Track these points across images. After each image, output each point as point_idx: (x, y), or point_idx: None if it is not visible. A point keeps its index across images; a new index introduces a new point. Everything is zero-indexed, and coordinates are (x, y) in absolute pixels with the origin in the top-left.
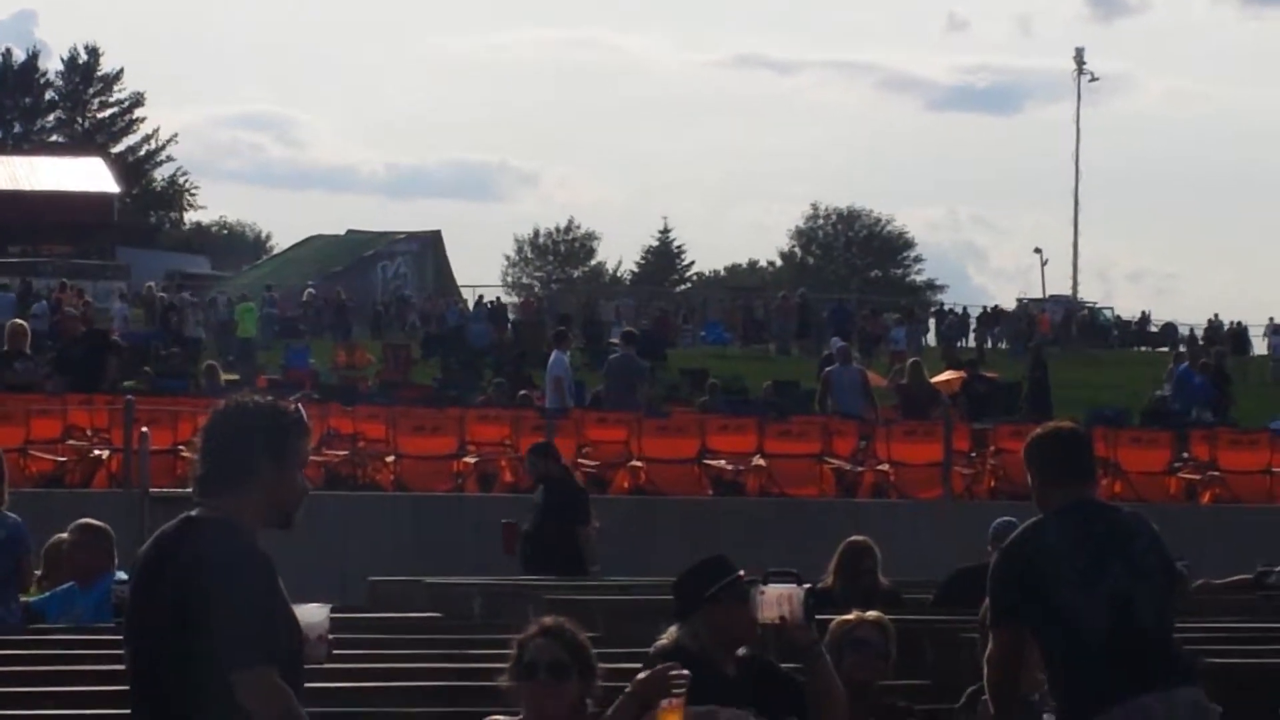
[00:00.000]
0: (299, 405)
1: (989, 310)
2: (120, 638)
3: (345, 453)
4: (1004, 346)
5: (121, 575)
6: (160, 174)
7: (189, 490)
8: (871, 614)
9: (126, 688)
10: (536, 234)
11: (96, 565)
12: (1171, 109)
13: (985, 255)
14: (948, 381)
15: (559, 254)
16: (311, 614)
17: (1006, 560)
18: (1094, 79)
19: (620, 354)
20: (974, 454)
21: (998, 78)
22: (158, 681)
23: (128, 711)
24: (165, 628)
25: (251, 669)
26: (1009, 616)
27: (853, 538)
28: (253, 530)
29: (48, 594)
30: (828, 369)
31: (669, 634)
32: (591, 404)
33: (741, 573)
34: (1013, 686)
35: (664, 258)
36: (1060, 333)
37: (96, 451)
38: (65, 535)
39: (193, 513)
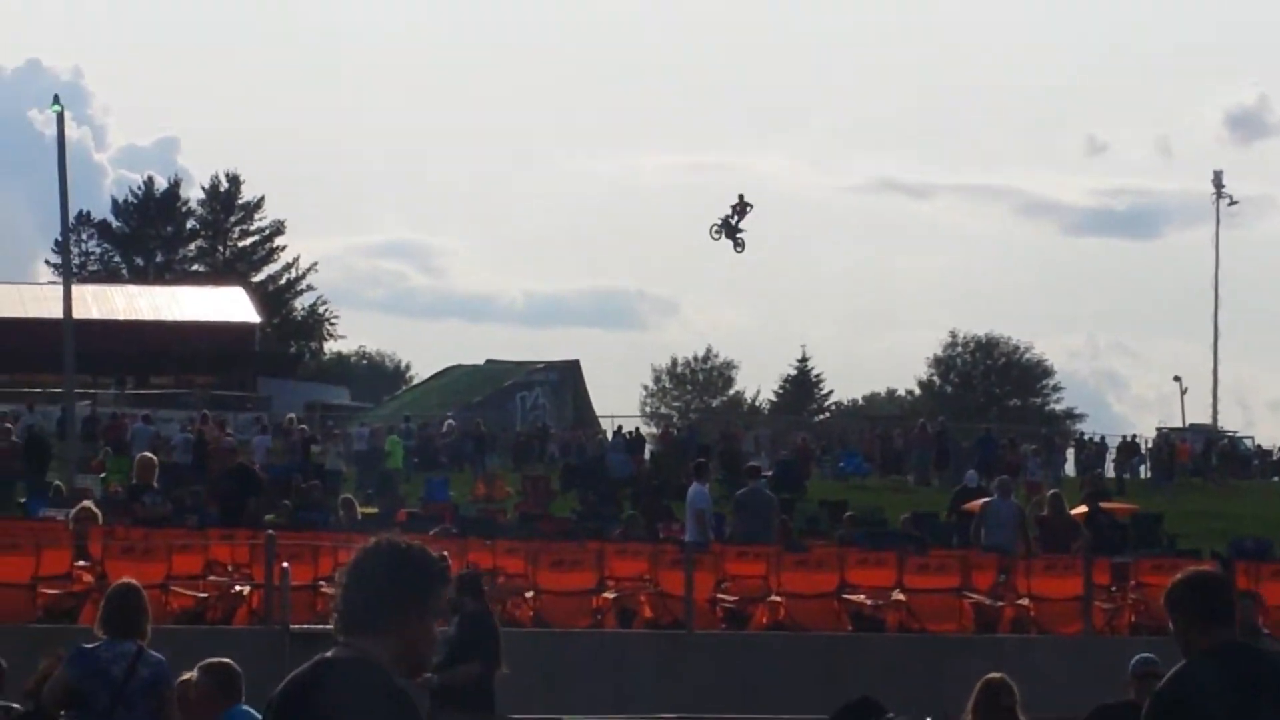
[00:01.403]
0: (444, 554)
1: (1128, 439)
2: None
3: (485, 589)
4: (1145, 476)
5: (248, 709)
6: (300, 303)
7: (329, 626)
8: None
9: None
10: (674, 363)
11: (215, 704)
12: None
13: (1125, 383)
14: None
15: (697, 383)
16: None
17: (1159, 705)
18: (1233, 203)
19: (749, 488)
20: (1114, 588)
21: (1137, 201)
22: None
23: None
24: None
25: None
26: None
27: (991, 675)
28: (390, 670)
29: None
30: (985, 501)
31: None
32: (731, 538)
33: (891, 714)
34: None
35: (802, 386)
36: (1200, 462)
37: (238, 587)
38: (192, 675)
39: (328, 654)
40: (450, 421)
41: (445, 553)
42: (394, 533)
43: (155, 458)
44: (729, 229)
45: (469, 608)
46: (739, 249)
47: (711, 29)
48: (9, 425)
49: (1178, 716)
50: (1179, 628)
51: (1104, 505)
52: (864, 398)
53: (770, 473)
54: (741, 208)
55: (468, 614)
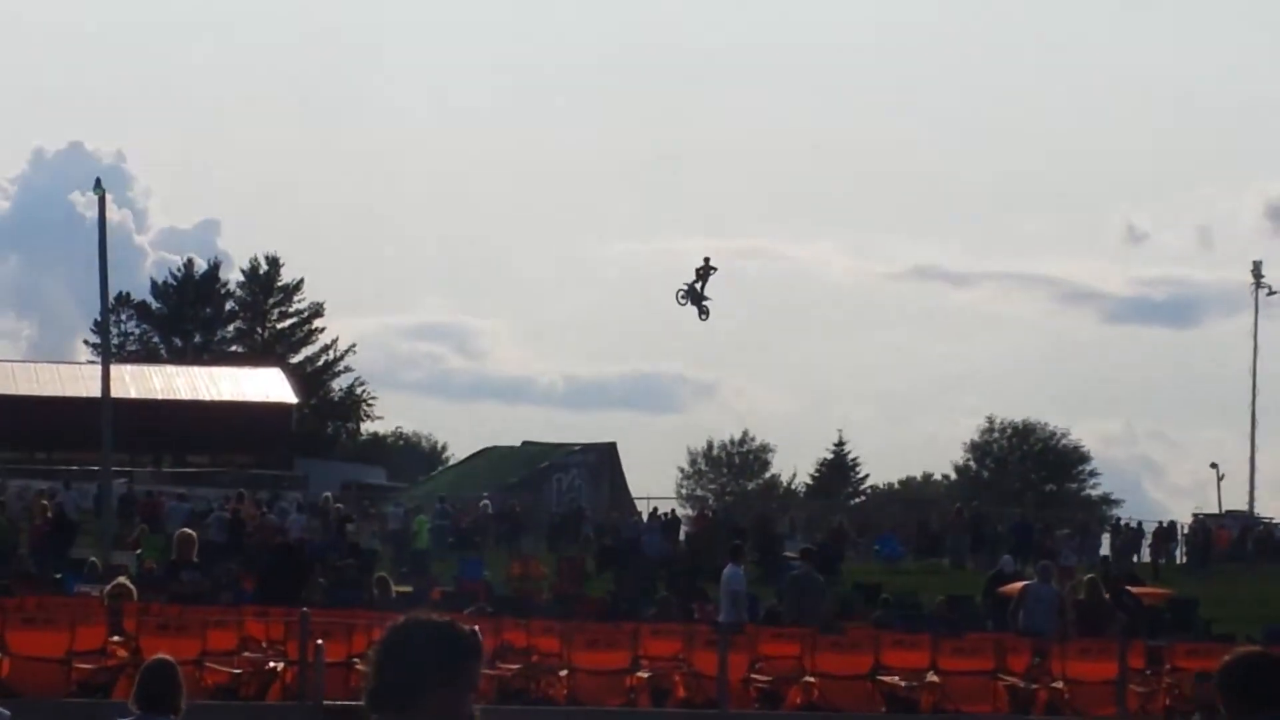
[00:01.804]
0: (475, 628)
1: (1164, 525)
2: None
3: (519, 666)
4: (1180, 562)
5: None
6: (338, 384)
7: (362, 704)
8: None
9: None
10: (711, 446)
11: None
12: None
13: (1162, 470)
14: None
15: (733, 465)
16: None
17: None
18: (1272, 292)
19: (799, 570)
20: (1149, 672)
21: (1176, 290)
22: None
23: None
24: None
25: None
26: None
27: None
28: None
29: None
30: (1026, 584)
31: None
32: (766, 619)
33: None
34: None
35: (838, 470)
36: (1237, 549)
37: (272, 664)
38: None
39: None
40: (485, 502)
41: (477, 627)
42: (425, 610)
43: (194, 534)
44: (694, 295)
45: None
46: (704, 317)
47: (754, 114)
48: (45, 503)
49: None
50: (1230, 710)
51: (1133, 589)
52: (900, 481)
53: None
54: (705, 271)
55: None
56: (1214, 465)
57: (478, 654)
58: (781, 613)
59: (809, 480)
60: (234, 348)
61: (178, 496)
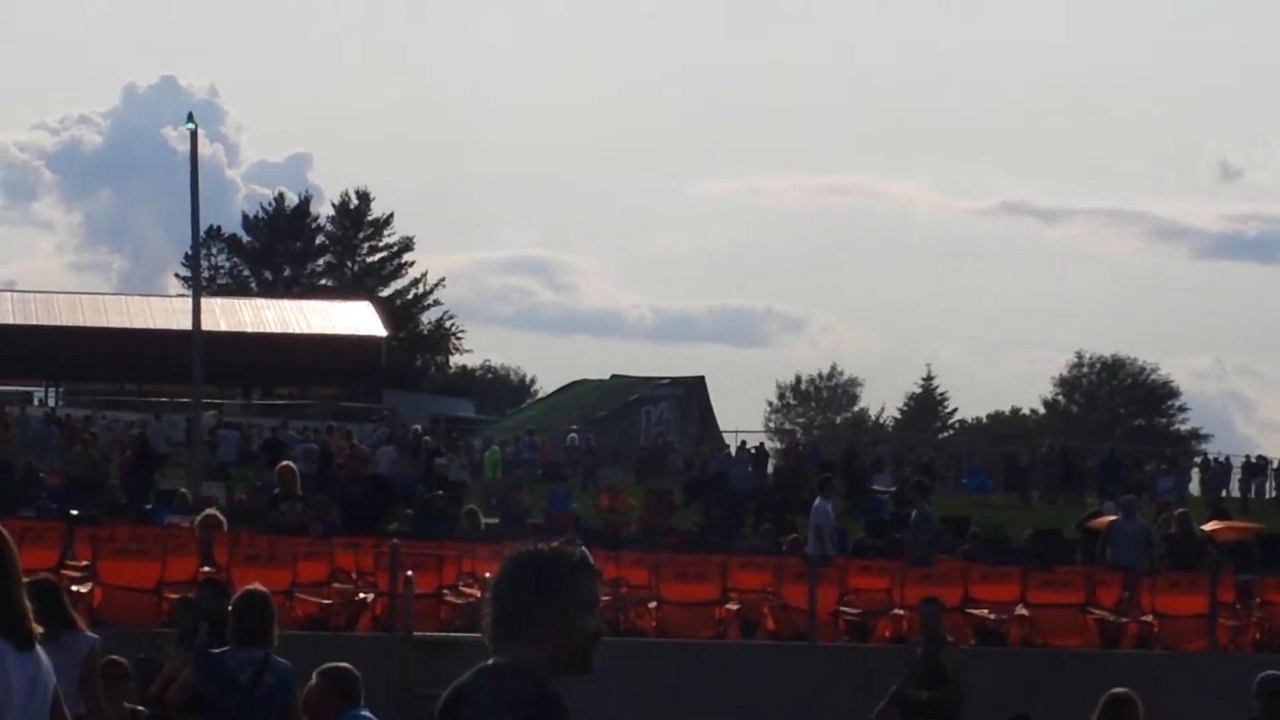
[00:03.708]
0: (584, 549)
1: (1253, 460)
2: None
3: (608, 598)
4: (1271, 497)
5: (367, 714)
6: (427, 318)
7: (452, 634)
8: None
9: None
10: (799, 380)
11: (333, 708)
12: None
13: (1252, 406)
14: (1215, 531)
15: (821, 400)
16: None
17: None
18: None
19: (923, 511)
20: (1239, 606)
21: (1268, 226)
22: None
23: None
24: None
25: None
26: None
27: (1115, 690)
28: (548, 677)
29: None
30: (1112, 520)
31: None
32: (855, 551)
33: None
34: None
35: (927, 404)
36: None
37: (361, 595)
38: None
39: (489, 662)
40: (574, 435)
41: (584, 546)
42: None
43: (295, 466)
44: None
45: (218, 610)
46: None
47: (848, 51)
48: (135, 433)
49: None
50: None
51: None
52: (988, 416)
53: (894, 488)
54: None
55: (217, 617)
56: None
57: (589, 571)
58: (909, 547)
59: (897, 414)
60: (323, 281)
61: (224, 424)
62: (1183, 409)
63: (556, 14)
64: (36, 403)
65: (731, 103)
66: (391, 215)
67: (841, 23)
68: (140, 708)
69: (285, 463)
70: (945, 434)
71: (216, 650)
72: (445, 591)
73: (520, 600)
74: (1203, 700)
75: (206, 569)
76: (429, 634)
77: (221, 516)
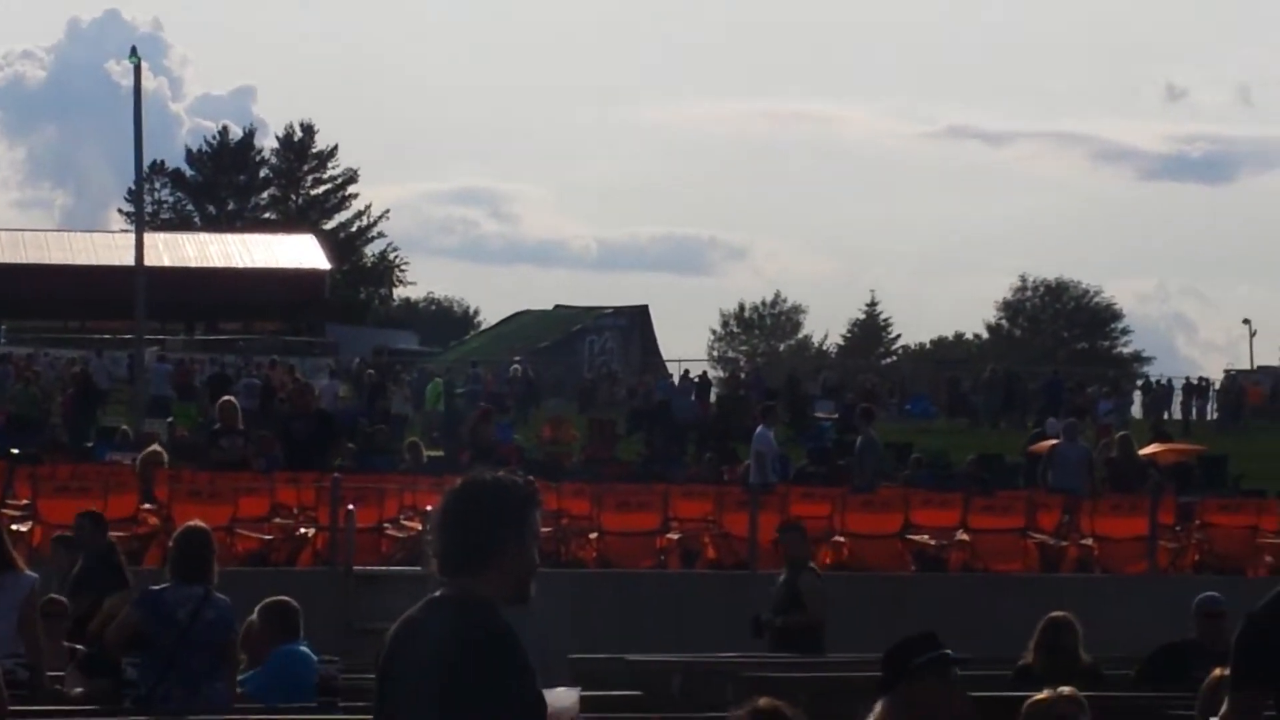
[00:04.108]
0: (531, 478)
1: (1194, 382)
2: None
3: (549, 529)
4: (1212, 419)
5: (304, 648)
6: (371, 250)
7: (392, 569)
8: (1067, 690)
9: None
10: (742, 308)
11: (273, 641)
12: None
13: (1194, 327)
14: (1156, 454)
15: (765, 328)
16: (561, 698)
17: (1253, 625)
18: None
19: (868, 438)
20: (1179, 528)
21: (1213, 147)
22: None
23: None
24: (419, 712)
25: None
26: (1251, 681)
27: (1054, 613)
28: (498, 608)
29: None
30: (1053, 443)
31: (876, 711)
32: (796, 479)
33: (949, 651)
34: None
35: (870, 331)
36: (1269, 405)
37: (302, 530)
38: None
39: (437, 594)
40: (517, 365)
41: (531, 477)
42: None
43: (236, 401)
44: None
45: (96, 542)
46: None
47: None
48: (77, 370)
49: (1274, 635)
50: None
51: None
52: (932, 342)
53: (837, 416)
54: None
55: (94, 550)
56: (1246, 321)
57: (537, 503)
58: (855, 474)
59: (840, 341)
60: (268, 215)
61: (158, 359)
62: (1125, 331)
63: None
64: None
65: (676, 29)
66: (335, 148)
67: None
68: (79, 646)
69: (226, 398)
70: (888, 360)
71: (156, 587)
72: (387, 525)
73: (483, 528)
74: (1142, 622)
75: (147, 506)
76: (370, 568)
77: (163, 453)
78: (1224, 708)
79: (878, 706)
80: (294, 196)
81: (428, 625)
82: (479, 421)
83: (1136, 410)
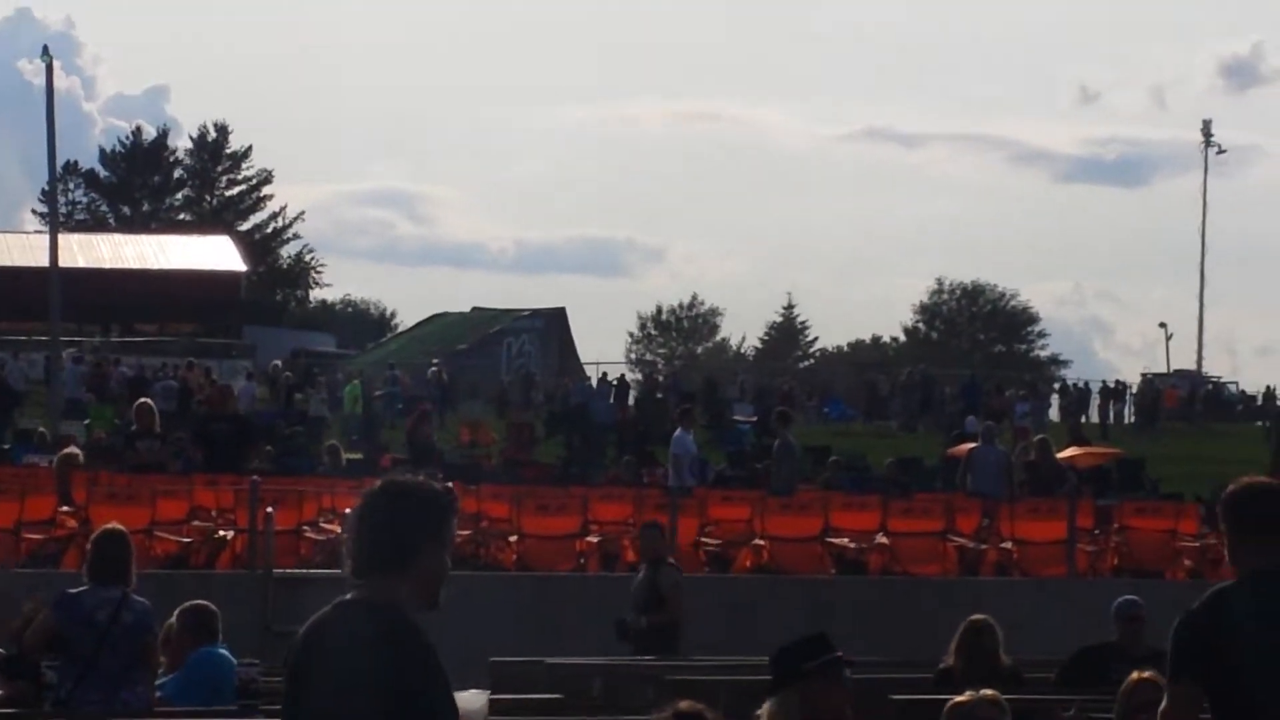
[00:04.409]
0: (450, 485)
1: (1112, 385)
2: None
3: (468, 532)
4: (1129, 422)
5: (223, 650)
6: (287, 252)
7: (312, 571)
8: (988, 692)
9: None
10: (660, 311)
11: (191, 645)
12: None
13: (1111, 330)
14: (1074, 457)
15: (682, 330)
16: (470, 700)
17: (1190, 623)
18: (1221, 151)
19: (786, 441)
20: (1098, 531)
21: (1127, 150)
22: None
23: None
24: (330, 714)
25: None
26: (1186, 675)
27: (974, 616)
28: (410, 612)
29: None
30: (971, 447)
31: (765, 710)
32: (716, 482)
33: (840, 653)
34: None
35: (787, 334)
36: (1185, 408)
37: (221, 532)
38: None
39: (348, 596)
40: (435, 368)
41: (450, 484)
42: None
43: (153, 403)
44: None
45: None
46: None
47: None
48: None
49: (1212, 641)
50: (1230, 540)
51: (1086, 449)
52: (849, 344)
53: (755, 419)
54: None
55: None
56: (1163, 325)
57: (455, 510)
58: (773, 477)
59: (758, 344)
60: (182, 216)
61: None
62: (1042, 335)
63: None
64: None
65: (592, 30)
66: (250, 148)
67: None
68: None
69: (143, 400)
70: (806, 363)
71: (74, 590)
72: (306, 528)
73: (402, 533)
74: (1062, 625)
75: (65, 508)
76: (289, 571)
77: (79, 455)
78: (1164, 702)
79: (766, 706)
80: (208, 197)
81: (339, 627)
82: (418, 421)
83: (1054, 413)
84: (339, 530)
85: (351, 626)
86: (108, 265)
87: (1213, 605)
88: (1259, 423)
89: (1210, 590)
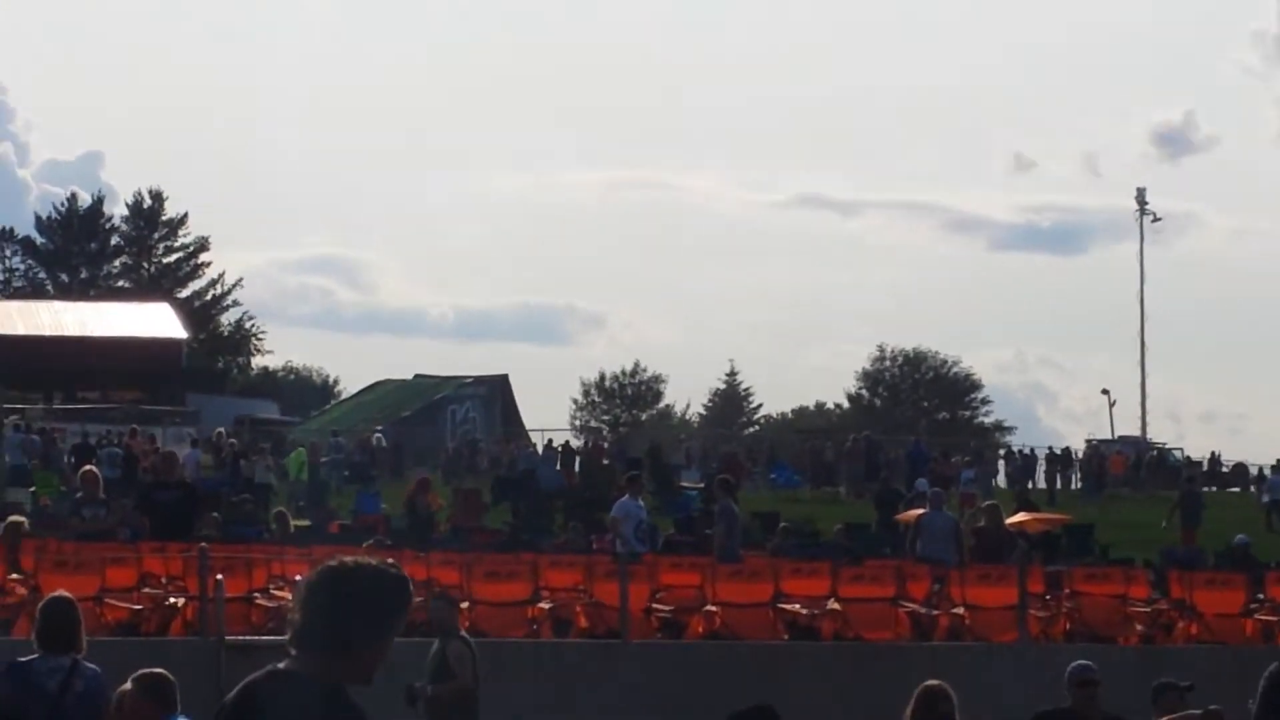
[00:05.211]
0: (405, 575)
1: (1058, 452)
2: None
3: (419, 599)
4: (1076, 488)
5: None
6: (227, 319)
7: (264, 638)
8: None
9: None
10: (603, 377)
11: (148, 715)
12: (1237, 247)
13: (1054, 397)
14: (1023, 523)
15: (626, 397)
16: None
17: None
18: (1156, 219)
19: (726, 504)
20: (1049, 596)
21: (1062, 217)
22: None
23: None
24: None
25: None
26: None
27: (929, 682)
28: (342, 684)
29: None
30: (920, 513)
31: None
32: (665, 548)
33: None
34: None
35: (731, 400)
36: (1131, 474)
37: (172, 600)
38: (127, 686)
39: (280, 665)
40: (379, 435)
41: (404, 573)
42: (367, 549)
43: (97, 470)
44: None
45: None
46: None
47: (639, 48)
48: None
49: None
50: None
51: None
52: (793, 411)
53: (702, 485)
54: None
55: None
56: (1105, 391)
57: (408, 601)
58: (716, 544)
59: (702, 410)
60: (121, 283)
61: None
62: (985, 401)
63: (350, 8)
64: None
65: (526, 97)
66: (185, 214)
67: (636, 17)
68: None
69: (87, 467)
70: (751, 429)
71: (24, 659)
72: (256, 595)
73: (350, 620)
74: (1016, 690)
75: (15, 575)
76: (241, 638)
77: (25, 522)
78: None
79: None
80: (146, 264)
81: (271, 695)
82: (417, 491)
83: (1001, 480)
84: (289, 597)
85: (286, 696)
86: (48, 332)
87: None
88: (1205, 489)
89: None
